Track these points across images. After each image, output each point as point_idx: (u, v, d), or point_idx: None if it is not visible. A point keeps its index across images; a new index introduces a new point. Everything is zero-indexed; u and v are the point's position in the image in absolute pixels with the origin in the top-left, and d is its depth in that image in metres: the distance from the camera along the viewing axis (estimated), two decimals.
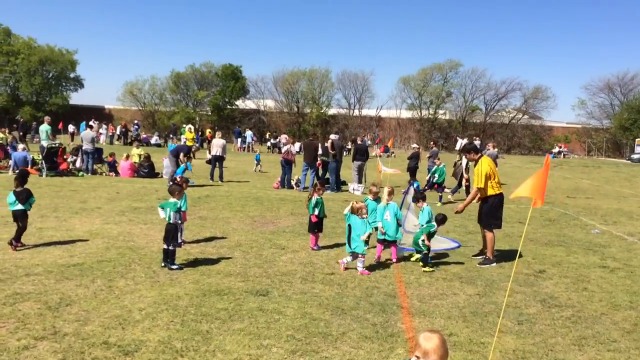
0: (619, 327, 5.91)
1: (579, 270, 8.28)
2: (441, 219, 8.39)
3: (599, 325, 5.91)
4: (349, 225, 7.75)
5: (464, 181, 15.43)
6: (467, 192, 14.80)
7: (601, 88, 55.11)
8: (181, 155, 16.08)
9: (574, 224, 12.59)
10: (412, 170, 18.53)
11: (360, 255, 7.62)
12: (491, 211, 8.61)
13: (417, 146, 20.90)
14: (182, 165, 15.74)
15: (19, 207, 7.98)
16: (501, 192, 8.69)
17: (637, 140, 47.56)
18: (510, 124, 54.17)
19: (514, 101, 55.06)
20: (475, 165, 8.74)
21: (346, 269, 7.68)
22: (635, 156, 42.94)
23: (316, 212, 8.80)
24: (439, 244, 9.63)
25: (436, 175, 16.07)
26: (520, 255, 8.61)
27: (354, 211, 7.80)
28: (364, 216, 7.81)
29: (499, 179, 8.73)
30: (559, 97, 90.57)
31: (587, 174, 28.83)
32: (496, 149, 22.13)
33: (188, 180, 10.97)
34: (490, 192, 8.58)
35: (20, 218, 8.02)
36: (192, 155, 16.90)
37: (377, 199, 8.80)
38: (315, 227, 8.91)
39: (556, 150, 48.54)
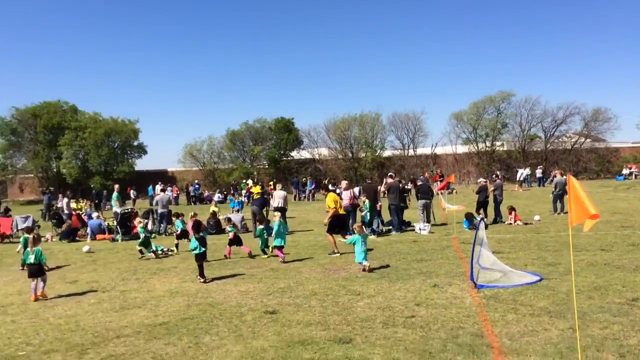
0: None
1: None
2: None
3: None
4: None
5: None
6: None
7: None
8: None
9: None
10: (482, 204, 18.07)
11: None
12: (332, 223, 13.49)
13: (485, 180, 20.34)
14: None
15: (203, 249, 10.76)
16: (344, 214, 14.06)
17: None
18: (573, 149, 52.24)
19: (574, 125, 53.20)
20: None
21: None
22: None
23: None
24: (519, 278, 9.26)
25: (364, 210, 16.57)
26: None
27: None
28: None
29: (341, 206, 13.87)
30: (621, 117, 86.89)
31: None
32: (564, 176, 21.31)
33: None
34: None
35: (201, 257, 10.73)
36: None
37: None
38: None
39: (626, 171, 46.29)
